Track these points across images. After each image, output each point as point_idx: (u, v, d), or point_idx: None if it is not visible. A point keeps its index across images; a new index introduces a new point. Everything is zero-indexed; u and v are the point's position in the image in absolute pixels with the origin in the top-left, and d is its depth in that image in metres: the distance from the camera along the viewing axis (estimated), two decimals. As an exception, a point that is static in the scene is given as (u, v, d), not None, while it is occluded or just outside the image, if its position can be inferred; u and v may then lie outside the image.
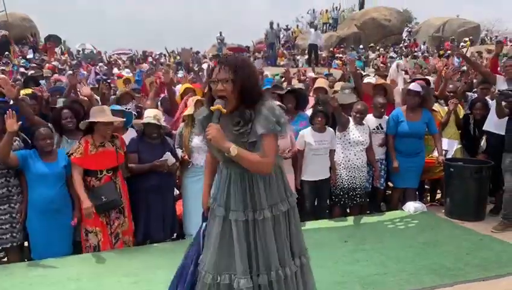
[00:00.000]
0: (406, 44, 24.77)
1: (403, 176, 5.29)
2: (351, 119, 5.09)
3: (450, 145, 5.39)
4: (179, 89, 6.23)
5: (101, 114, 4.13)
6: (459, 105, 5.81)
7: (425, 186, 6.12)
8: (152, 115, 4.42)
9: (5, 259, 4.31)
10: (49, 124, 4.51)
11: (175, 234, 4.74)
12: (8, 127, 3.76)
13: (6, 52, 19.31)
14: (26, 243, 4.30)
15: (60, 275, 3.69)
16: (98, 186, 4.09)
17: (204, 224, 2.59)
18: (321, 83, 6.34)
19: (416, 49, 22.81)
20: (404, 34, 26.80)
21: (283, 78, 8.04)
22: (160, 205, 4.39)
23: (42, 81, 9.32)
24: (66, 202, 4.17)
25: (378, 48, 22.66)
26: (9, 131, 3.77)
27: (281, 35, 26.12)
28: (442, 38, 23.80)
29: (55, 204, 4.05)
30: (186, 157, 4.55)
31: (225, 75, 2.30)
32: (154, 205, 4.36)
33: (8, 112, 3.79)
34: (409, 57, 19.48)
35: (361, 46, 23.65)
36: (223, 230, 2.42)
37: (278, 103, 4.80)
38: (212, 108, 2.30)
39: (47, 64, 15.15)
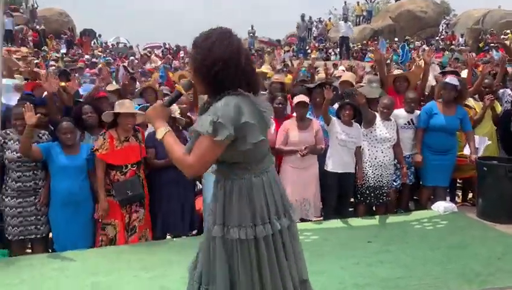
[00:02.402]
0: (442, 37, 23.97)
1: (433, 174, 5.06)
2: (377, 114, 4.90)
3: (480, 142, 5.12)
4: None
5: (122, 106, 4.17)
6: (495, 101, 5.53)
7: (458, 185, 5.86)
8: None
9: (30, 250, 4.39)
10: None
11: (195, 231, 4.69)
12: (26, 120, 3.79)
13: (44, 47, 19.92)
14: (51, 235, 4.36)
15: (78, 269, 3.70)
16: (124, 180, 4.12)
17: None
18: (347, 77, 6.14)
19: (454, 42, 22.05)
20: (442, 27, 25.96)
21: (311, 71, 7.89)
22: (178, 199, 4.36)
23: (76, 74, 9.52)
24: (86, 195, 4.20)
25: (412, 40, 22.04)
26: (28, 124, 3.80)
27: (313, 28, 25.87)
28: (482, 31, 22.86)
29: (75, 196, 4.07)
30: None
31: (190, 61, 2.06)
32: (173, 199, 4.33)
33: (26, 105, 3.82)
34: (446, 51, 18.84)
35: (396, 39, 23.07)
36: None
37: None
38: (176, 86, 2.13)
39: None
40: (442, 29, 25.82)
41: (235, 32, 2.01)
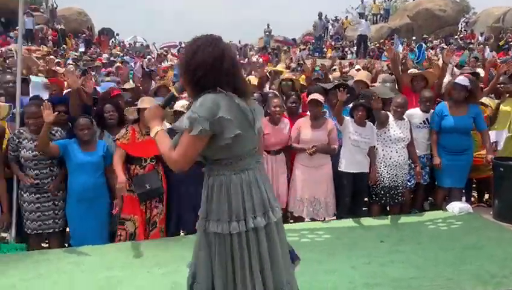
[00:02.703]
0: (461, 35, 23.58)
1: (448, 175, 5.00)
2: (390, 114, 4.87)
3: (498, 136, 5.03)
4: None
5: (143, 102, 4.25)
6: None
7: (473, 186, 5.78)
8: (180, 105, 4.45)
9: (46, 244, 4.48)
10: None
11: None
12: (44, 118, 3.86)
13: (63, 46, 20.26)
14: (68, 229, 4.43)
15: (93, 263, 3.77)
16: (143, 174, 4.18)
17: None
18: (362, 76, 6.10)
19: (473, 41, 21.67)
20: (461, 25, 25.54)
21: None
22: (191, 196, 4.35)
23: (93, 73, 9.67)
24: (102, 192, 4.26)
25: (431, 39, 21.75)
26: (46, 122, 3.87)
27: (330, 27, 25.73)
28: (502, 29, 22.43)
29: (89, 193, 4.13)
30: None
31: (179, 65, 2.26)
32: (186, 195, 4.35)
33: (44, 103, 3.90)
34: (466, 50, 18.55)
35: (414, 38, 22.79)
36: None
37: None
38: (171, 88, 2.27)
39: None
40: (462, 28, 25.40)
41: (223, 39, 2.11)
